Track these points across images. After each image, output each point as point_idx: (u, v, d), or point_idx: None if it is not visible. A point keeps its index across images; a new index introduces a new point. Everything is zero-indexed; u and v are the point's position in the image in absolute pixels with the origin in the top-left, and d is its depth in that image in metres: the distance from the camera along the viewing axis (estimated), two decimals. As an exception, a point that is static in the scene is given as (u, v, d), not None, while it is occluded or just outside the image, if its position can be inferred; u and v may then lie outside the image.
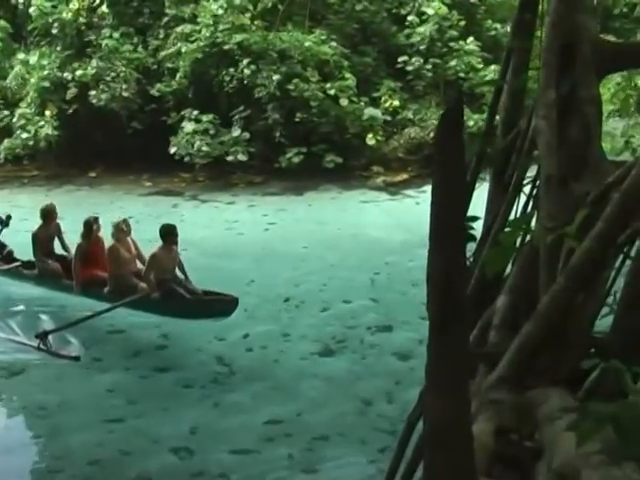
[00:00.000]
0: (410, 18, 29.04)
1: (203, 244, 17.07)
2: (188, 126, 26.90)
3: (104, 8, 29.57)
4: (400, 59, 28.43)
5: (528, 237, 5.01)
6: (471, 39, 28.56)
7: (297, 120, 26.76)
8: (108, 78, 28.19)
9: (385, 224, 19.67)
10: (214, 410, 9.96)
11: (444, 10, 28.62)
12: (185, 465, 8.78)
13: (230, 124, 27.12)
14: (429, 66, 28.29)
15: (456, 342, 2.81)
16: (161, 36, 29.35)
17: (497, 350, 4.60)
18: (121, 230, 13.39)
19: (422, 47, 28.74)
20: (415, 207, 20.67)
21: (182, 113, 27.42)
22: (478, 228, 5.88)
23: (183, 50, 27.90)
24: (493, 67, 26.69)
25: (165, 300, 12.42)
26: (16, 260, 15.41)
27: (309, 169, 25.63)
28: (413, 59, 28.38)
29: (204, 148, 26.37)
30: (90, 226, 13.84)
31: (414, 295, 12.47)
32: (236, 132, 26.79)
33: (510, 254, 4.32)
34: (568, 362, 4.30)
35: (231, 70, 27.30)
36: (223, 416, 9.83)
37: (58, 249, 14.78)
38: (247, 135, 26.72)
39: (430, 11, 28.69)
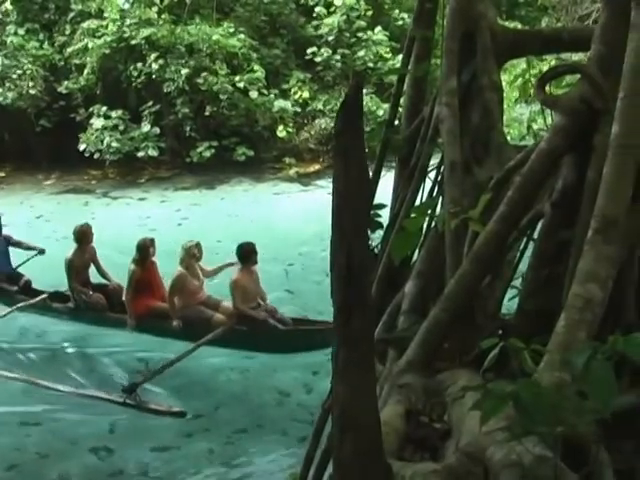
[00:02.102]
0: (318, 9, 29.02)
1: (115, 241, 16.82)
2: (97, 122, 26.52)
3: (8, 4, 28.92)
4: (309, 50, 28.42)
5: (434, 222, 5.09)
6: (379, 29, 28.69)
7: (207, 114, 26.61)
8: (14, 76, 27.58)
9: (298, 215, 19.69)
10: (132, 408, 9.86)
11: (352, 0, 28.69)
12: (105, 465, 8.72)
13: (140, 119, 26.82)
14: (338, 57, 28.34)
15: (361, 329, 2.85)
16: (67, 32, 28.81)
17: (406, 335, 4.66)
18: (193, 255, 11.74)
19: (330, 38, 28.76)
20: (327, 197, 20.21)
21: (91, 109, 26.99)
22: (385, 215, 5.97)
23: (90, 46, 27.43)
24: (401, 56, 26.82)
25: (253, 333, 11.04)
26: (38, 291, 13.19)
27: (221, 163, 25.55)
28: (322, 50, 28.38)
29: (114, 144, 26.02)
30: (146, 249, 12.06)
31: (328, 285, 12.46)
32: (146, 127, 26.50)
33: (416, 240, 4.40)
34: (476, 344, 4.39)
35: (139, 65, 26.98)
36: (141, 413, 9.75)
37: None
38: (157, 130, 26.45)
39: (338, 2, 28.69)
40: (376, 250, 5.92)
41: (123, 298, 12.25)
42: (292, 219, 19.47)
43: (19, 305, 12.71)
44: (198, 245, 11.88)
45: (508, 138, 5.96)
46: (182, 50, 27.10)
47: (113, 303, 12.51)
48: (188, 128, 26.47)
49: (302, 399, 9.91)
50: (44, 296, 12.87)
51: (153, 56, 26.80)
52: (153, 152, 26.11)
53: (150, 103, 26.71)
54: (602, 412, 2.52)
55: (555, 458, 2.62)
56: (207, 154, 25.99)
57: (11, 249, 13.88)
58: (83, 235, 12.80)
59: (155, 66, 26.64)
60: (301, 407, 9.65)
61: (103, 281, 12.99)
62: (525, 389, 2.59)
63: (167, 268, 13.07)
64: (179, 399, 10.04)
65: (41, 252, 13.79)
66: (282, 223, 19.30)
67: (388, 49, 28.18)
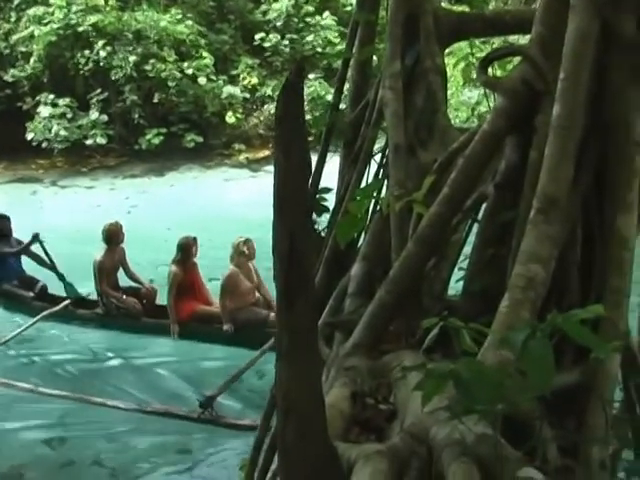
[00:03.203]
0: (266, -6, 29.03)
1: (64, 230, 16.75)
2: (44, 111, 26.29)
3: (-51, -8, 28.58)
4: (257, 36, 28.39)
5: (379, 206, 5.11)
6: (327, 14, 28.70)
7: (155, 101, 26.52)
8: (-41, 64, 27.31)
9: (248, 201, 19.65)
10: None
11: (300, -15, 28.70)
12: (56, 455, 8.63)
13: (88, 107, 26.65)
14: (286, 42, 28.34)
15: (304, 312, 2.85)
16: (13, 19, 28.49)
17: (352, 318, 4.67)
18: (241, 253, 11.25)
19: (279, 23, 28.74)
20: (277, 183, 20.63)
21: (38, 98, 26.77)
22: (332, 199, 5.97)
23: (36, 33, 27.15)
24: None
25: None
26: (56, 297, 12.51)
27: (170, 149, 25.47)
28: (270, 35, 28.36)
29: (62, 132, 25.82)
30: (188, 248, 11.47)
31: (277, 270, 12.40)
32: (94, 115, 26.33)
33: (361, 223, 4.41)
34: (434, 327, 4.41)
35: (86, 52, 26.80)
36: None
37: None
38: (105, 118, 26.32)
39: (286, -13, 28.72)
40: (323, 234, 5.93)
41: (157, 302, 11.77)
42: (242, 205, 19.45)
43: (44, 314, 11.80)
44: (248, 241, 11.29)
45: (457, 121, 6.00)
46: (130, 37, 26.95)
47: (146, 307, 11.95)
48: (136, 115, 26.35)
49: (254, 384, 9.87)
50: (67, 302, 12.13)
51: (100, 43, 26.63)
52: (101, 140, 25.96)
53: (98, 91, 26.56)
54: (541, 390, 2.54)
55: (495, 435, 2.65)
56: (156, 141, 25.88)
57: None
58: (113, 235, 12.10)
59: (103, 53, 26.48)
60: (252, 392, 9.63)
61: (132, 284, 12.40)
62: (466, 368, 2.61)
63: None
64: (129, 392, 9.96)
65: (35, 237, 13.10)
66: (232, 209, 19.28)
67: (337, 34, 28.23)
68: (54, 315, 11.88)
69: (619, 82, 4.12)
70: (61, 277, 12.80)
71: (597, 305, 3.13)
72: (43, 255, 13.04)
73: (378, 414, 3.71)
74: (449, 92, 20.20)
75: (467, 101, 19.25)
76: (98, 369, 10.86)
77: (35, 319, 11.65)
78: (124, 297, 11.83)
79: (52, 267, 12.98)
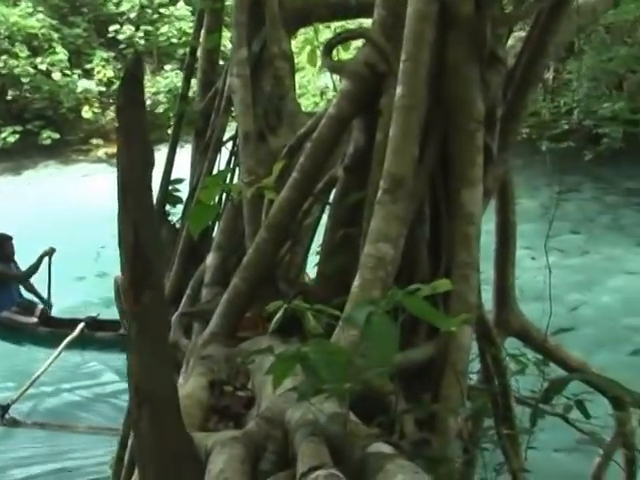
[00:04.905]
0: (118, -14, 28.61)
1: None
2: None
3: None
4: (111, 28, 27.99)
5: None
6: (181, 4, 28.50)
7: (9, 98, 25.87)
8: None
9: (108, 196, 19.32)
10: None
11: (152, -24, 28.39)
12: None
13: (-63, 107, 25.82)
14: (141, 34, 28.03)
15: (152, 304, 2.82)
16: None
17: (209, 307, 4.67)
18: None
19: (132, 15, 28.40)
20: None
21: None
22: (185, 190, 5.94)
23: None
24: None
25: None
26: (61, 320, 11.70)
27: (26, 147, 24.92)
28: (124, 28, 27.99)
29: None
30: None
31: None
32: (-55, 115, 25.54)
33: (212, 212, 4.39)
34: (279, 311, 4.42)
35: None
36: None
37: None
38: (-43, 117, 25.56)
39: (138, -22, 28.36)
40: (177, 225, 5.90)
41: None
42: (102, 200, 19.07)
43: (65, 343, 10.37)
44: None
45: (314, 108, 6.04)
46: (-22, 33, 26.17)
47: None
48: (-10, 114, 25.64)
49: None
50: (81, 326, 10.87)
51: (-52, 40, 25.78)
52: (-46, 140, 25.19)
53: (-52, 89, 25.72)
54: (385, 366, 2.57)
55: (346, 414, 2.68)
56: (11, 139, 25.26)
57: None
58: None
59: (-49, 51, 25.66)
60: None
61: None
62: (314, 349, 2.62)
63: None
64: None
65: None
66: (92, 205, 18.94)
67: (191, 24, 27.90)
68: (74, 342, 10.63)
69: (459, 61, 4.21)
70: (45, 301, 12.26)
71: (444, 280, 3.18)
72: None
73: (236, 401, 3.71)
74: (306, 78, 20.29)
75: (323, 86, 19.42)
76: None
77: (58, 350, 10.16)
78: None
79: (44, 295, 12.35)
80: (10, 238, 12.31)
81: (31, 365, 10.18)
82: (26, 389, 9.01)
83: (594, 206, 19.57)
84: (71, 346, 10.38)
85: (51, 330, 11.54)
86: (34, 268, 12.06)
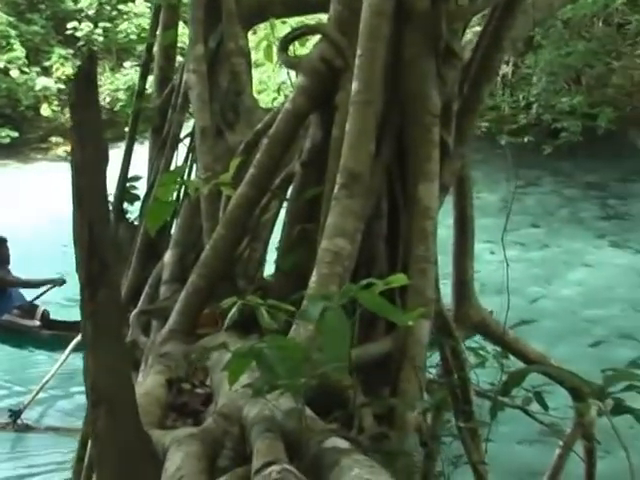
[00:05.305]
0: (77, -18, 28.37)
1: None
2: None
3: None
4: (69, 25, 27.73)
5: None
6: (140, 1, 28.30)
7: (-34, 97, 25.60)
8: None
9: (68, 195, 19.22)
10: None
11: (110, -27, 28.18)
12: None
13: None
14: (100, 30, 27.81)
15: (107, 302, 2.81)
16: None
17: (167, 304, 4.65)
18: None
19: (91, 12, 28.18)
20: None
21: None
22: (143, 187, 5.91)
23: None
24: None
25: None
26: (62, 323, 11.23)
27: (-17, 147, 24.63)
28: (83, 24, 27.75)
29: None
30: None
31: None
32: None
33: (169, 208, 4.36)
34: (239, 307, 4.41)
35: None
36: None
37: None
38: None
39: (96, -26, 28.15)
40: (135, 223, 5.87)
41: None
42: (63, 199, 18.94)
43: (72, 345, 9.57)
44: None
45: (275, 103, 6.03)
46: None
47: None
48: (-52, 113, 25.38)
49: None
50: None
51: None
52: None
53: None
54: (339, 360, 2.57)
55: (302, 409, 2.67)
56: (-31, 139, 25.01)
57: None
58: None
59: None
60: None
61: None
62: (270, 345, 2.62)
63: None
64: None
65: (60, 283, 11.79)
66: (54, 203, 18.76)
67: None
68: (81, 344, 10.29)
69: (415, 56, 4.23)
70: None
71: (400, 274, 3.19)
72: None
73: (194, 398, 3.70)
74: (266, 74, 20.21)
75: (282, 83, 19.38)
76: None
77: (66, 353, 9.57)
78: None
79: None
80: (5, 241, 12.04)
81: (34, 369, 10.13)
82: (36, 393, 8.86)
83: (553, 200, 19.70)
84: (77, 348, 9.56)
85: (53, 333, 11.30)
86: (33, 285, 11.93)
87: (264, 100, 16.77)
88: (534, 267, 14.41)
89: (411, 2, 4.22)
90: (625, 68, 21.14)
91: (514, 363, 4.83)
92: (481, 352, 4.33)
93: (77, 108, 2.81)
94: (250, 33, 6.47)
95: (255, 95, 5.94)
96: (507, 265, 5.14)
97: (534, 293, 13.12)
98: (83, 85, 2.80)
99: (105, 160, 2.94)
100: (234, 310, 3.30)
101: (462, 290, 5.18)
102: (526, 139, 18.70)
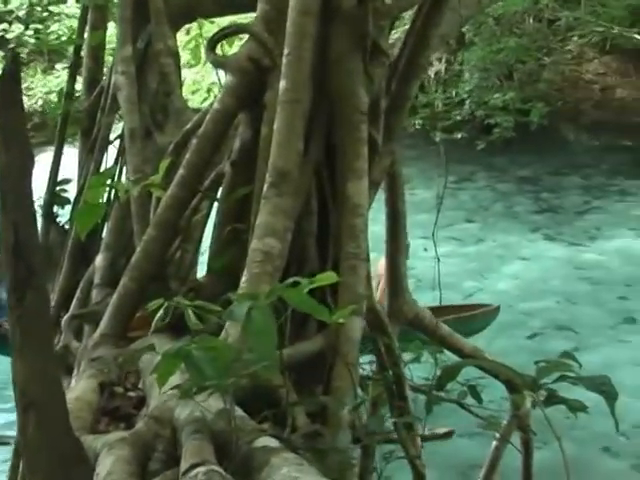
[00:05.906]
0: (4, -16, 27.94)
1: None
2: None
3: None
4: (0, 27, 27.31)
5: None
6: (71, 2, 27.96)
7: None
8: None
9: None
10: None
11: (40, -27, 27.82)
12: None
13: None
14: (30, 32, 27.44)
15: (35, 306, 2.78)
16: None
17: (99, 309, 4.61)
18: None
19: (21, 13, 27.78)
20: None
21: None
22: (73, 190, 5.85)
23: None
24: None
25: None
26: None
27: None
28: (13, 26, 27.35)
29: None
30: None
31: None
32: None
33: (99, 211, 4.32)
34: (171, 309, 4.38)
35: None
36: None
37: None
38: None
39: (25, -25, 27.76)
40: (66, 226, 5.81)
41: None
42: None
43: None
44: None
45: (203, 103, 6.00)
46: None
47: None
48: None
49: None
50: None
51: None
52: None
53: None
54: (266, 360, 2.57)
55: (231, 410, 2.67)
56: None
57: None
58: None
59: None
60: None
61: None
62: (199, 346, 2.62)
63: None
64: None
65: None
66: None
67: (82, 22, 27.50)
68: None
69: (342, 54, 4.25)
70: None
71: (330, 272, 3.20)
72: None
73: (127, 402, 3.67)
74: (200, 74, 20.13)
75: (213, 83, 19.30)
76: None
77: None
78: None
79: None
80: None
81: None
82: None
83: (488, 195, 19.92)
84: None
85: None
86: None
87: (197, 100, 16.69)
88: (470, 262, 14.56)
89: (337, 0, 4.24)
90: (556, 64, 21.48)
91: (450, 357, 4.87)
92: (414, 347, 4.35)
93: (1, 110, 2.78)
94: (182, 33, 6.45)
95: (189, 95, 5.93)
96: (438, 260, 5.21)
97: (470, 287, 13.26)
98: (7, 87, 2.76)
99: (31, 162, 2.91)
100: (161, 312, 3.28)
101: (395, 286, 5.22)
102: (460, 135, 18.91)
